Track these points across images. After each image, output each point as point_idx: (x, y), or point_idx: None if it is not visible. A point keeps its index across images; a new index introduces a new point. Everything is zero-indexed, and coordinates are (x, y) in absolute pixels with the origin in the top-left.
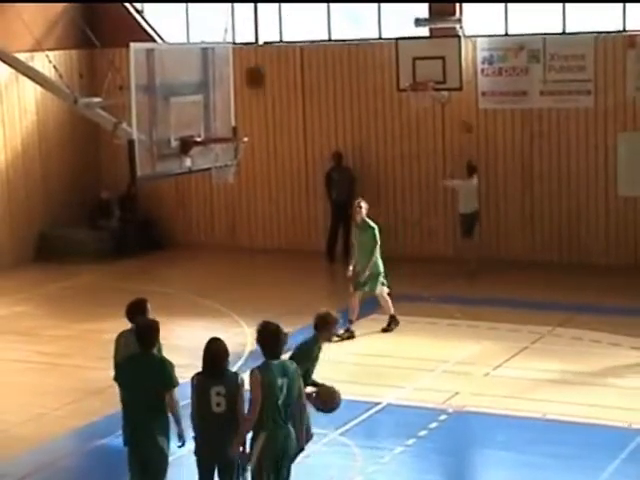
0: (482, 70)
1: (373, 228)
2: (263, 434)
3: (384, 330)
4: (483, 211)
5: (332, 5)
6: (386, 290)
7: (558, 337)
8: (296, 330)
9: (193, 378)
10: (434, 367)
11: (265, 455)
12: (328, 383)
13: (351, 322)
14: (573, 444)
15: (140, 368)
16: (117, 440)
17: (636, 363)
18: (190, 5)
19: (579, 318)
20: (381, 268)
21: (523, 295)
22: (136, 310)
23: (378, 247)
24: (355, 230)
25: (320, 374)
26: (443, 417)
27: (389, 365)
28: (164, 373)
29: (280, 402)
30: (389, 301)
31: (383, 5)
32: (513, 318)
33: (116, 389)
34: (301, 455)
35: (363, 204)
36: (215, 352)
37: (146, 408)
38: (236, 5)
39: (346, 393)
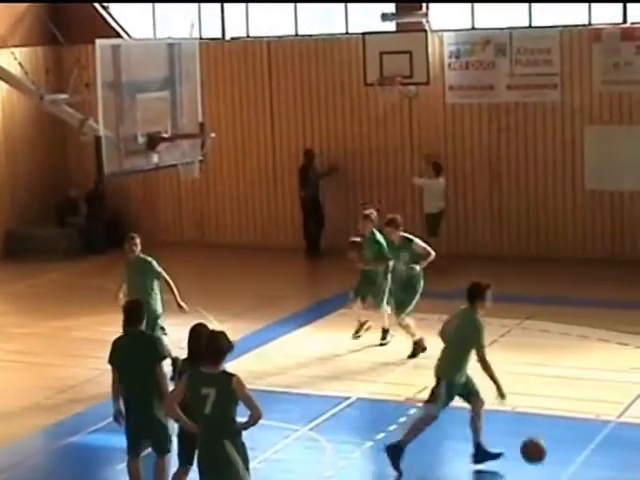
0: (449, 64)
1: (151, 262)
2: (198, 442)
3: None
4: (451, 205)
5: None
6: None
7: (527, 330)
8: (262, 326)
9: None
10: (403, 361)
11: (199, 468)
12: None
13: None
14: (542, 436)
15: (130, 346)
16: (86, 438)
17: (604, 355)
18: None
19: (547, 311)
20: (160, 310)
21: (491, 289)
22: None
23: (158, 284)
24: (128, 265)
25: (290, 369)
26: (412, 411)
27: (359, 360)
28: (152, 347)
29: (207, 412)
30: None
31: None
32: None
33: (83, 387)
34: (271, 451)
35: (138, 240)
36: None
37: (141, 383)
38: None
39: (316, 388)
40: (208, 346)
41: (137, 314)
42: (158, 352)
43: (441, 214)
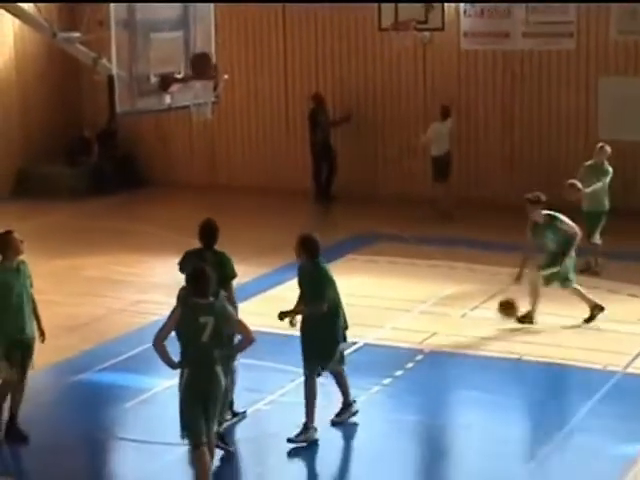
0: (464, 11)
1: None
2: (187, 371)
3: None
4: (463, 153)
5: None
6: None
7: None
8: (270, 270)
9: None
10: (412, 307)
11: (188, 393)
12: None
13: None
14: (548, 386)
15: (202, 261)
16: (95, 376)
17: (614, 306)
18: None
19: None
20: None
21: (501, 237)
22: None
23: None
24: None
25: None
26: (419, 357)
27: (367, 305)
28: (225, 265)
29: (204, 340)
30: None
31: None
32: (491, 260)
33: (93, 325)
34: (277, 393)
35: None
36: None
37: None
38: None
39: None
40: (195, 283)
41: (211, 235)
42: (232, 271)
43: (447, 157)
